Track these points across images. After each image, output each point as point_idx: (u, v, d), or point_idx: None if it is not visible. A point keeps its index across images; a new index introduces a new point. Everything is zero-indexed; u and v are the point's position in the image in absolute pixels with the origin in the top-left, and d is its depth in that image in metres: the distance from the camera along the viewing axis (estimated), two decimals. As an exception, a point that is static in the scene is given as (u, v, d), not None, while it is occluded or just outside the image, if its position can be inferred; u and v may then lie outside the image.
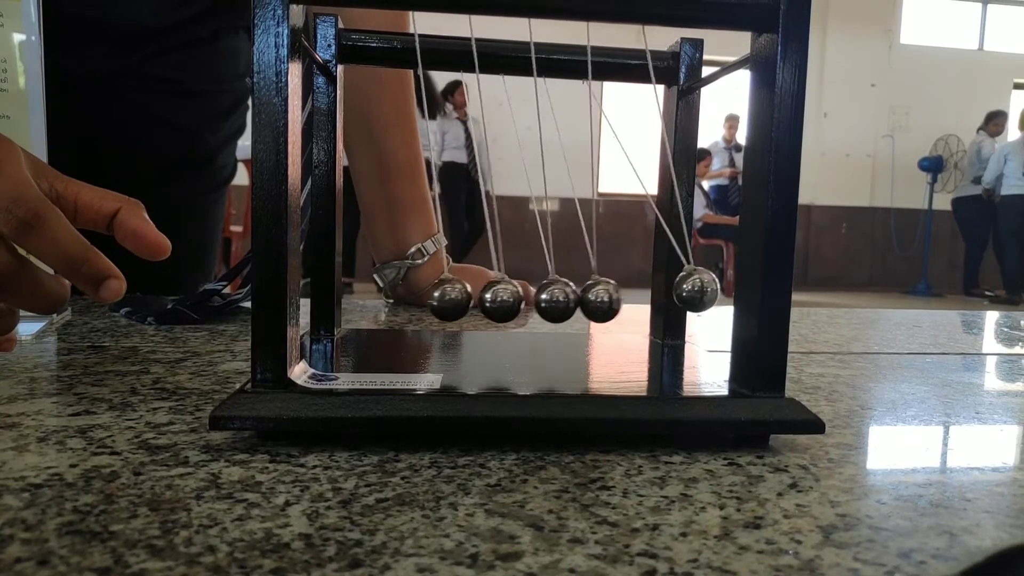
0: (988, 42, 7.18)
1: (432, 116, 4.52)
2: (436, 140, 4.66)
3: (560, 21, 0.32)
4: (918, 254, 6.69)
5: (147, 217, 0.38)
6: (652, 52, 0.43)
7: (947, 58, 7.01)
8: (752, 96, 0.32)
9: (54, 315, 0.54)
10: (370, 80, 0.71)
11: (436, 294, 0.32)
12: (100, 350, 0.47)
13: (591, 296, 0.33)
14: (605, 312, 0.33)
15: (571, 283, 0.33)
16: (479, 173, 5.24)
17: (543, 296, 0.33)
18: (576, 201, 0.36)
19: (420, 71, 0.40)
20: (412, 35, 0.39)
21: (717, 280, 0.33)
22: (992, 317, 0.83)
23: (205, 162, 0.86)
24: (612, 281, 0.33)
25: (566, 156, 0.39)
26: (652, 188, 0.46)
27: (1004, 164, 5.72)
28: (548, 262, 0.34)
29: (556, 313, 0.33)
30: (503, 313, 0.33)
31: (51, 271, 0.36)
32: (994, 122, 6.07)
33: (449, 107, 4.86)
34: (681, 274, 0.33)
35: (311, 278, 0.44)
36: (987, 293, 6.03)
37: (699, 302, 0.32)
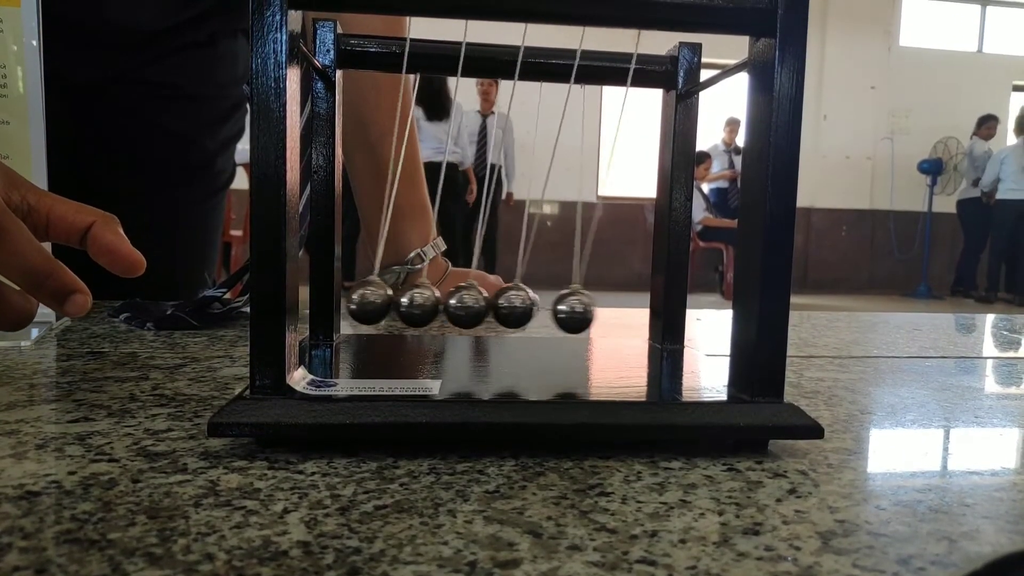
0: (987, 44, 7.19)
1: (440, 118, 4.48)
2: (447, 139, 4.61)
3: (558, 26, 0.32)
4: (918, 256, 6.70)
5: (122, 232, 0.37)
6: (650, 56, 0.43)
7: (946, 60, 7.02)
8: (750, 100, 0.32)
9: (53, 322, 0.54)
10: (368, 85, 0.71)
11: (452, 301, 0.32)
12: (99, 356, 0.47)
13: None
14: (578, 323, 0.33)
15: (529, 290, 0.34)
16: (501, 174, 5.21)
17: (499, 302, 0.33)
18: (569, 204, 0.36)
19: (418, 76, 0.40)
20: (410, 40, 0.39)
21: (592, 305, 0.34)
22: (991, 320, 0.83)
23: (204, 167, 0.86)
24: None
25: (567, 160, 0.39)
26: (651, 191, 0.46)
27: (1001, 168, 5.76)
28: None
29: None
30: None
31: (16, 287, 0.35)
32: (986, 125, 6.12)
33: (459, 102, 4.80)
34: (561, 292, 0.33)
35: (310, 283, 0.44)
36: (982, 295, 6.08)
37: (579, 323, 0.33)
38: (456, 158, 4.63)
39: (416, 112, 4.43)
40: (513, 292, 0.33)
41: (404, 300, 0.33)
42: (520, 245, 0.34)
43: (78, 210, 0.37)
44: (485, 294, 0.34)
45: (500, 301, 0.33)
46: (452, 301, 0.33)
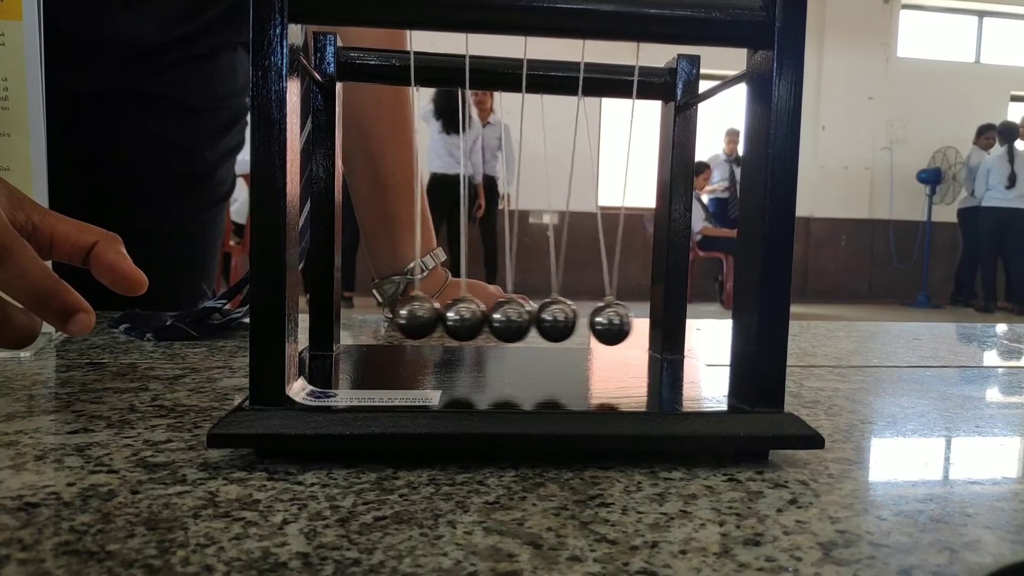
0: (984, 55, 7.22)
1: (458, 131, 4.51)
2: (459, 153, 4.63)
3: (557, 39, 0.32)
4: (917, 266, 6.70)
5: (124, 251, 0.38)
6: (649, 68, 0.43)
7: (944, 71, 7.05)
8: (748, 112, 0.32)
9: (52, 333, 0.54)
10: (367, 98, 0.71)
11: (450, 314, 0.32)
12: (99, 367, 0.47)
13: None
14: (615, 335, 0.33)
15: (571, 303, 0.34)
16: (496, 185, 5.22)
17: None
18: (567, 214, 0.36)
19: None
20: (410, 53, 0.39)
21: (629, 315, 0.34)
22: (991, 329, 0.83)
23: (204, 178, 0.86)
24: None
25: (566, 171, 0.40)
26: (651, 202, 0.46)
27: (987, 176, 5.81)
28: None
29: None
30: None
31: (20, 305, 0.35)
32: (985, 135, 6.15)
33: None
34: (597, 305, 0.34)
35: (310, 294, 0.44)
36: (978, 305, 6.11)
37: (615, 335, 0.34)
38: (467, 171, 4.66)
39: (435, 124, 4.46)
40: (510, 306, 0.33)
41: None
42: (546, 257, 0.34)
43: (81, 229, 0.38)
44: (483, 307, 0.34)
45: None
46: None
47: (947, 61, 7.11)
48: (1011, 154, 5.79)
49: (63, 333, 0.56)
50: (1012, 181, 5.75)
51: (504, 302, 0.33)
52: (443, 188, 4.32)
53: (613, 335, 0.34)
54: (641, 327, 0.51)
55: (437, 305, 0.33)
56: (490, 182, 4.88)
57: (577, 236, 0.38)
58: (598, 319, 0.34)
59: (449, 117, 4.47)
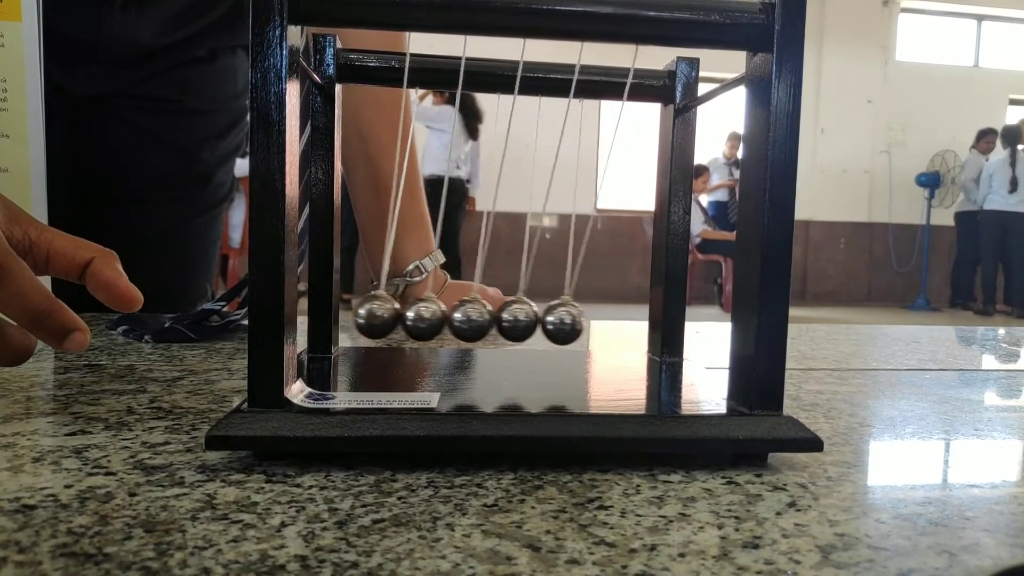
0: (983, 59, 7.24)
1: (473, 137, 4.55)
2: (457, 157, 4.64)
3: (556, 41, 0.32)
4: (916, 269, 6.71)
5: (120, 268, 0.38)
6: (648, 71, 0.43)
7: (943, 75, 7.06)
8: (748, 114, 0.32)
9: None
10: (367, 99, 0.71)
11: (457, 315, 0.32)
12: (96, 369, 0.46)
13: (551, 318, 0.33)
14: (567, 335, 0.33)
15: (532, 303, 0.34)
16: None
17: (503, 315, 0.33)
18: (572, 217, 0.36)
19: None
20: (409, 55, 0.39)
21: (580, 317, 0.34)
22: (990, 333, 0.83)
23: (203, 180, 0.86)
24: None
25: (565, 173, 0.40)
26: (650, 204, 0.46)
27: (990, 180, 5.83)
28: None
29: (516, 333, 0.33)
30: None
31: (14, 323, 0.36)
32: (985, 139, 6.17)
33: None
34: (551, 303, 0.34)
35: (309, 296, 0.44)
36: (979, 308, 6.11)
37: (567, 335, 0.33)
38: (462, 173, 4.69)
39: (447, 126, 4.48)
40: (516, 306, 0.33)
41: (410, 314, 0.33)
42: (523, 256, 0.34)
43: (78, 245, 0.38)
44: (489, 307, 0.34)
45: (503, 315, 0.33)
46: (457, 315, 0.33)
47: (946, 65, 7.12)
48: (1014, 158, 5.80)
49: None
50: (1015, 185, 5.77)
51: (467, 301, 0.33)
52: (439, 189, 4.32)
53: (564, 335, 0.34)
54: (640, 330, 0.51)
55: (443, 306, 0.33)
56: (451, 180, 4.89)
57: (571, 239, 0.38)
58: (550, 318, 0.34)
59: (465, 123, 4.52)
